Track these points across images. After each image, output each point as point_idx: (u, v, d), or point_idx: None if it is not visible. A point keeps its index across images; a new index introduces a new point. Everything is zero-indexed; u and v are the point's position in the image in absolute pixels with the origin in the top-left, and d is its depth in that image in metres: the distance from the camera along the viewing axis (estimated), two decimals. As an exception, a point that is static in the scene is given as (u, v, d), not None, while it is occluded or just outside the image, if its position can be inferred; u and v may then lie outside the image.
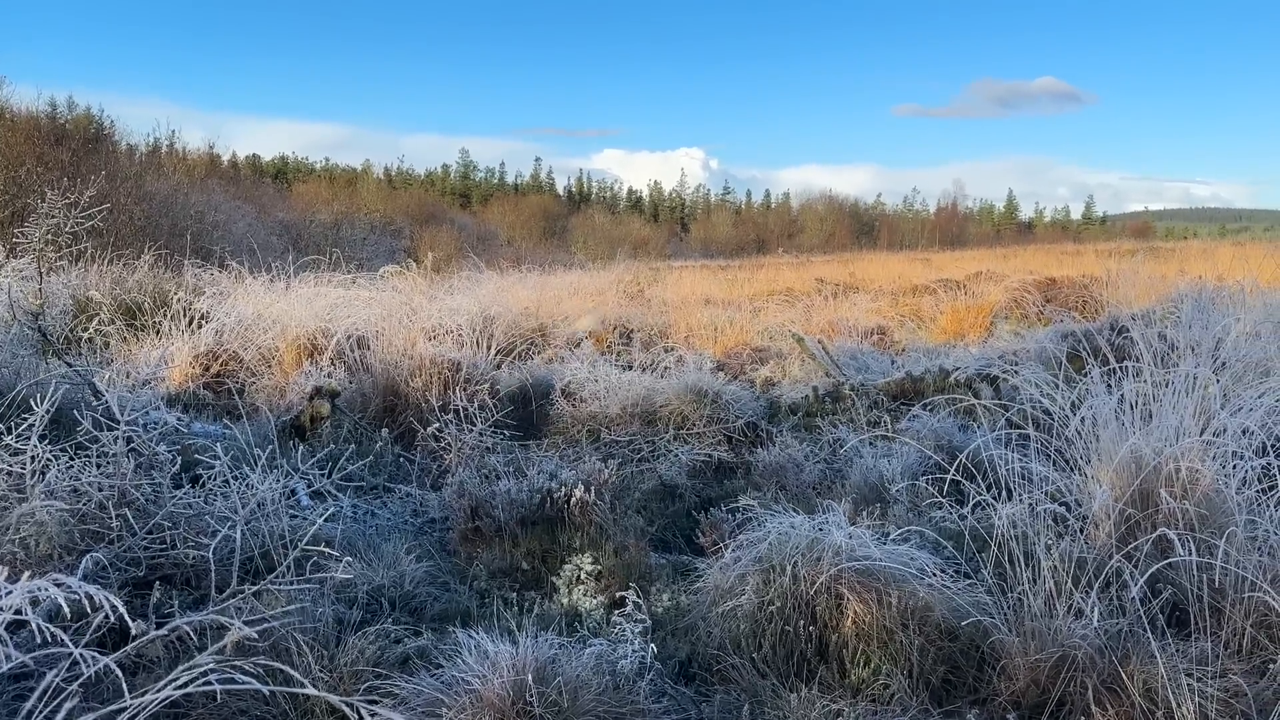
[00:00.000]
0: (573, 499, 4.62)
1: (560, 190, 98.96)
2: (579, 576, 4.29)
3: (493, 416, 6.51)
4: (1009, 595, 3.34)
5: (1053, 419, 4.30)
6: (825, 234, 63.14)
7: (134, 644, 3.08)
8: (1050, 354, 6.71)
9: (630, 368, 8.56)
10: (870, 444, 5.49)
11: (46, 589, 1.94)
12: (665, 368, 8.27)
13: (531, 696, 2.79)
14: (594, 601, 4.11)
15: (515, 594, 4.17)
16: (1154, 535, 3.43)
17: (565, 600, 4.19)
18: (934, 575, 3.43)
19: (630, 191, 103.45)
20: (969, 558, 3.74)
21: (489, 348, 8.63)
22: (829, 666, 3.30)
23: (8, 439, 4.20)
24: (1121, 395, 4.08)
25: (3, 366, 5.40)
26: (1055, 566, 3.28)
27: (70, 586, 1.97)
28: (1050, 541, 3.44)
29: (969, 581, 3.45)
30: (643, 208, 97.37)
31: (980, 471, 4.21)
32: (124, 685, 2.19)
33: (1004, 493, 3.83)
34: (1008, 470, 3.80)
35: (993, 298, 13.16)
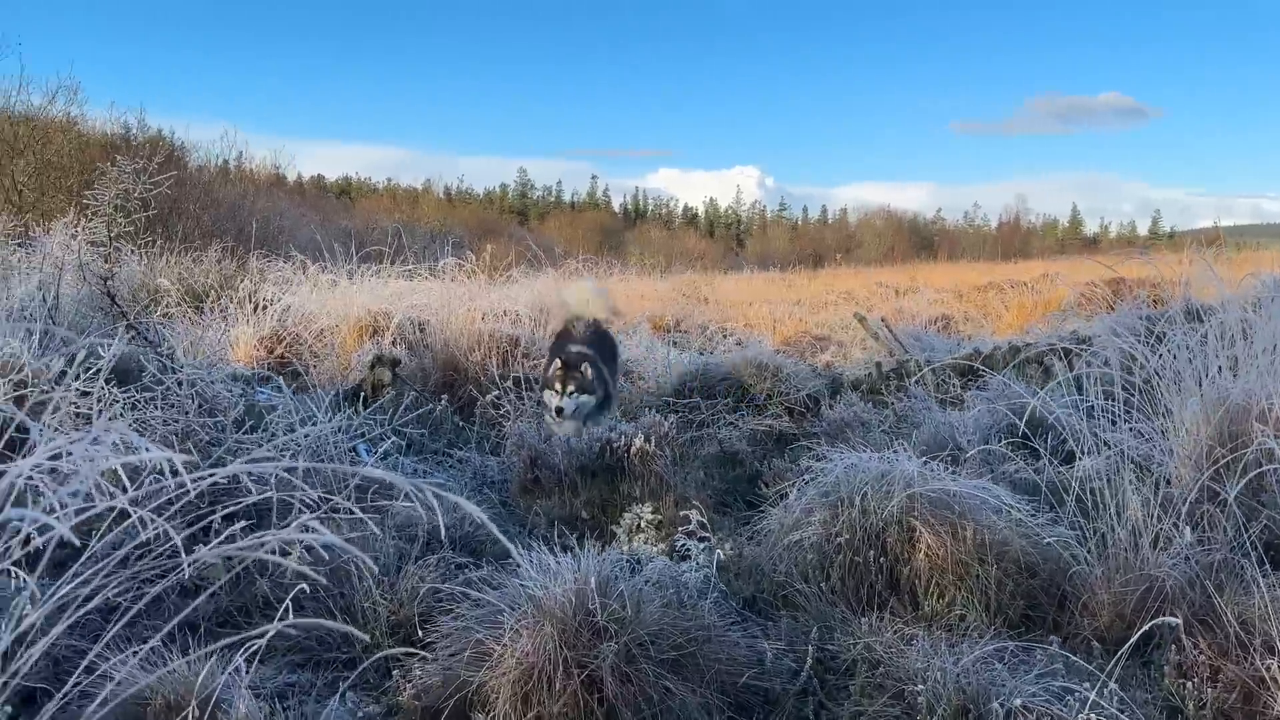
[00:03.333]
0: (633, 449, 4.54)
1: (616, 208, 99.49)
2: (639, 525, 4.20)
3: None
4: (1092, 532, 3.18)
5: (1133, 377, 4.12)
6: (884, 248, 62.42)
7: (194, 560, 3.07)
8: (1126, 327, 6.48)
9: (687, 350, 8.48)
10: (941, 407, 5.33)
11: (121, 440, 1.92)
12: (724, 351, 8.18)
13: (594, 605, 2.72)
14: (654, 550, 4.03)
15: (575, 541, 4.10)
16: (1250, 474, 3.25)
17: (626, 548, 4.10)
18: (1012, 510, 3.28)
19: (686, 209, 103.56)
20: (1048, 506, 3.59)
21: (546, 327, 8.63)
22: (900, 598, 3.17)
23: (75, 383, 4.26)
24: (1204, 337, 3.89)
25: (73, 325, 5.51)
26: (1146, 499, 3.12)
27: (142, 447, 1.94)
28: (1134, 480, 3.28)
29: (1050, 516, 3.30)
30: (698, 224, 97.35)
31: (1056, 435, 4.06)
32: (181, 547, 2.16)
33: (1083, 452, 3.67)
34: (1085, 429, 3.63)
35: (1060, 293, 12.82)
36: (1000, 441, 4.30)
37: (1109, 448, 3.55)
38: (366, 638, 2.95)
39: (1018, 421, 3.89)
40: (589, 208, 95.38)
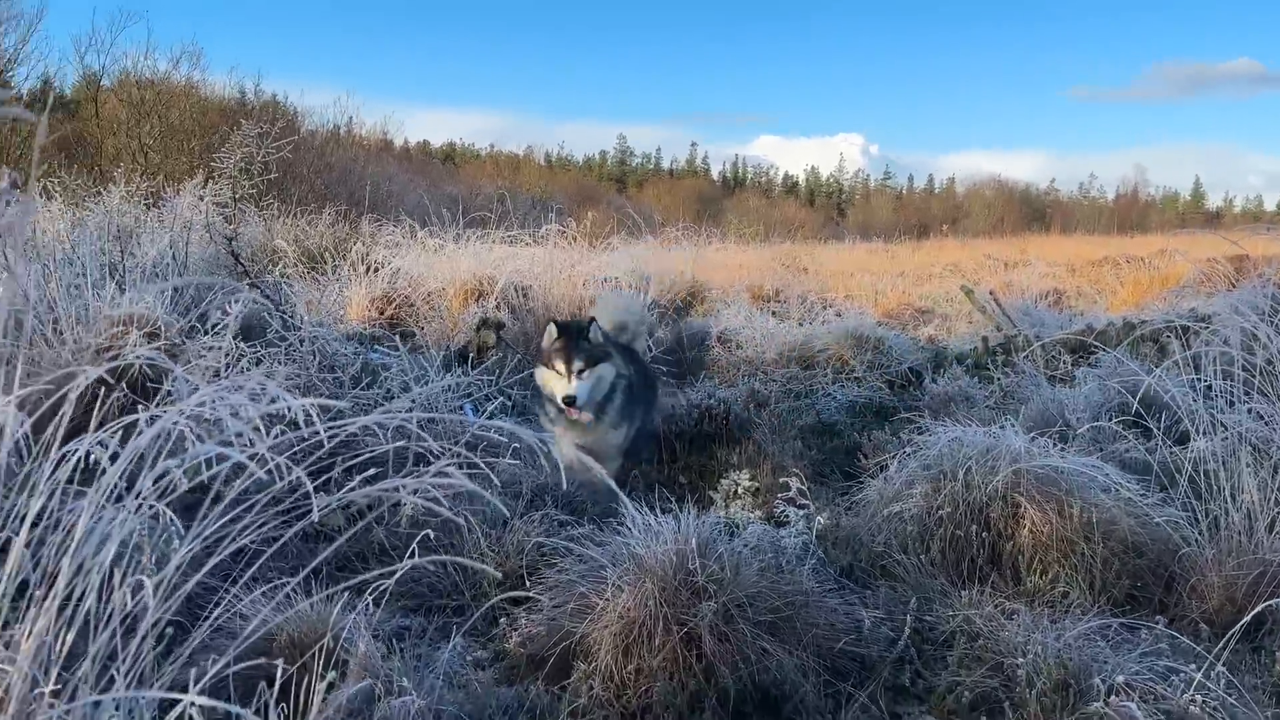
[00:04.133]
0: (731, 416, 4.58)
1: (715, 175, 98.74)
2: (736, 491, 4.25)
3: (650, 352, 6.56)
4: (1204, 514, 3.10)
5: (1254, 358, 3.96)
6: (993, 219, 60.47)
7: (327, 505, 3.26)
8: (1249, 305, 6.19)
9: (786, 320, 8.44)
10: (1050, 384, 5.21)
11: (253, 389, 2.06)
12: (824, 322, 8.12)
13: (694, 565, 2.79)
14: (751, 516, 4.07)
15: (673, 505, 4.18)
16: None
17: (723, 514, 4.16)
18: (1121, 489, 3.21)
19: (786, 177, 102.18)
20: (1158, 487, 3.50)
21: (645, 295, 8.71)
22: (1001, 573, 3.15)
23: (205, 337, 4.52)
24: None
25: (201, 282, 5.82)
26: (1263, 482, 3.02)
27: (281, 399, 2.08)
28: (1251, 462, 3.17)
29: (1161, 496, 3.23)
30: (798, 193, 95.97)
31: (1170, 414, 3.94)
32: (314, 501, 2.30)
33: (1198, 432, 3.56)
34: (1200, 409, 3.51)
35: (1179, 269, 12.28)
36: (1111, 420, 4.20)
37: (1225, 429, 3.44)
38: (499, 574, 3.14)
39: (1130, 400, 3.79)
40: (688, 175, 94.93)
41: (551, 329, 3.96)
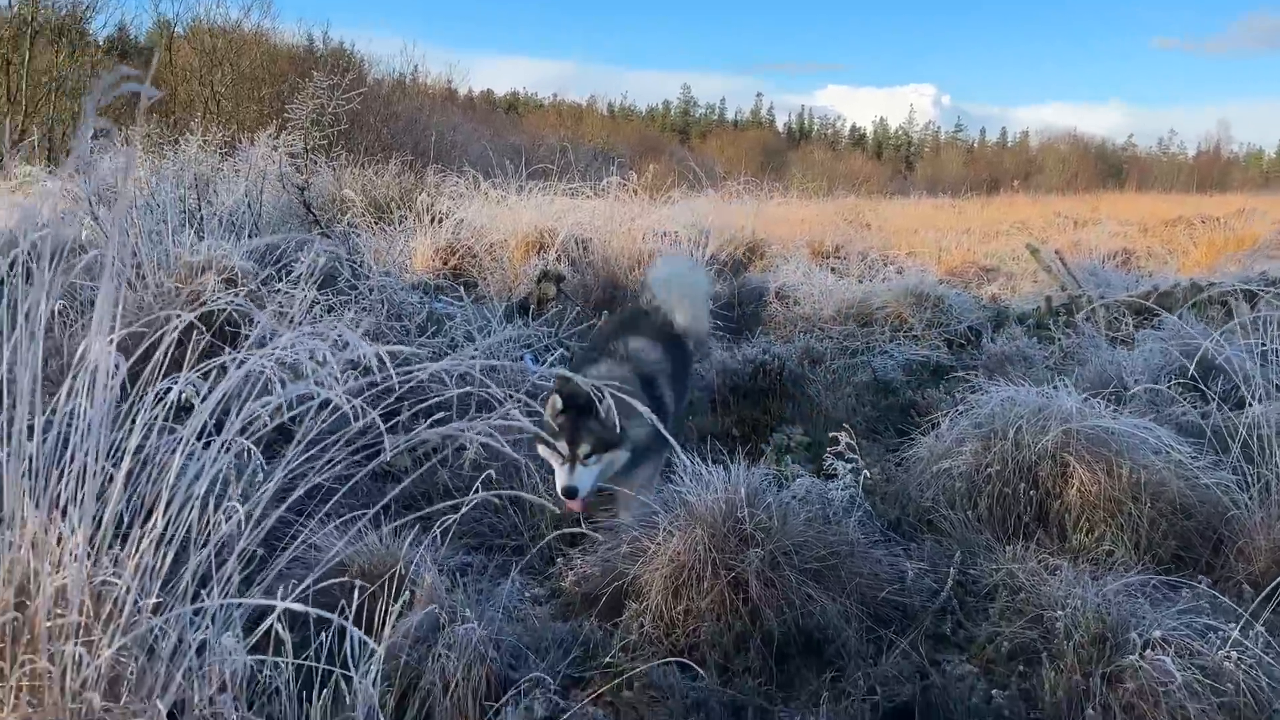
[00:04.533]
0: (785, 371, 4.65)
1: (780, 127, 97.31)
2: (789, 445, 4.33)
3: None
4: (1256, 479, 3.11)
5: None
6: (1067, 175, 58.71)
7: (402, 444, 3.43)
8: (1326, 269, 6.04)
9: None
10: (1110, 345, 5.17)
11: (328, 335, 2.20)
12: (884, 280, 8.08)
13: (743, 514, 2.89)
14: (801, 470, 4.15)
15: (725, 456, 4.28)
16: None
17: (774, 467, 4.25)
18: (1172, 451, 3.23)
19: (853, 129, 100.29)
20: (1211, 450, 3.50)
21: (703, 250, 8.75)
22: (1047, 531, 3.20)
23: (279, 284, 4.71)
24: None
25: (274, 230, 6.03)
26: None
27: (350, 341, 2.22)
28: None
29: (1212, 460, 3.23)
30: (865, 145, 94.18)
31: (1228, 379, 3.91)
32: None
33: (1254, 398, 3.54)
34: (1258, 375, 3.49)
35: (1256, 231, 11.90)
36: (1169, 383, 4.18)
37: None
38: (557, 509, 3.34)
39: (1188, 363, 3.77)
40: (752, 126, 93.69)
41: (555, 400, 3.20)
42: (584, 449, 3.16)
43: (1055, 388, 3.44)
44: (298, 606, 1.47)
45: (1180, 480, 3.13)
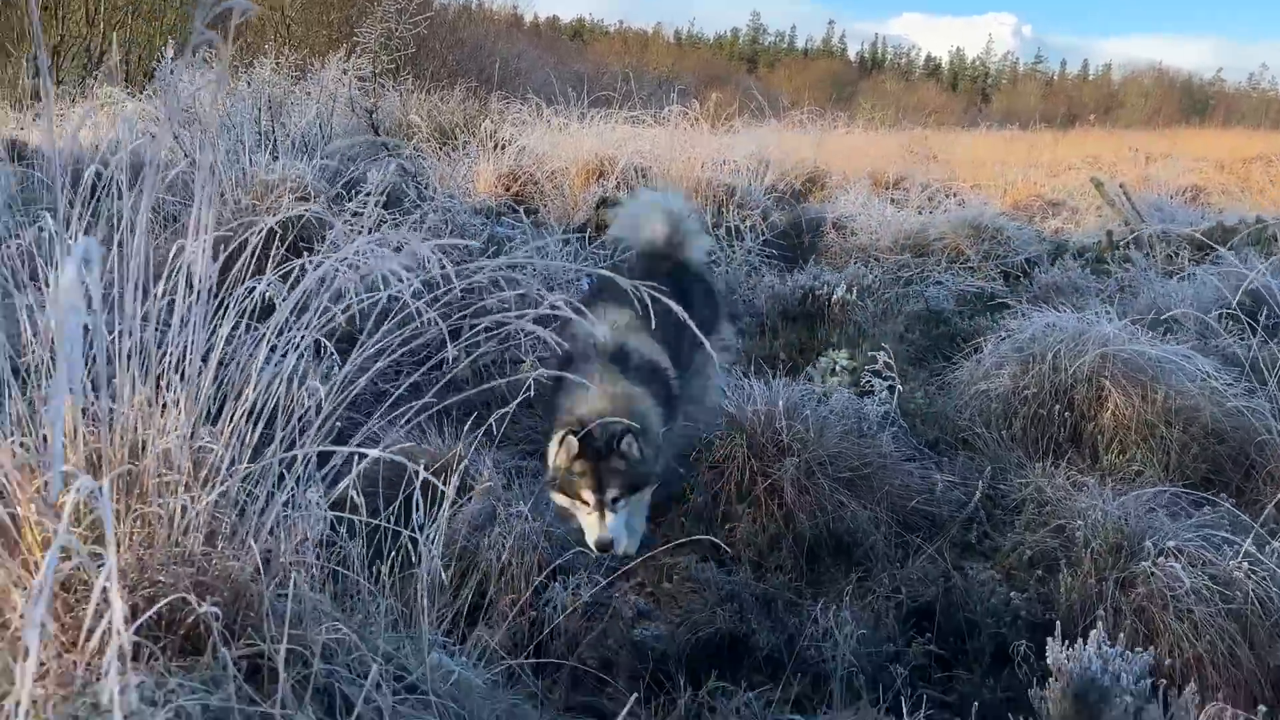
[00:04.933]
0: (834, 297, 4.75)
1: (851, 56, 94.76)
2: (834, 369, 4.45)
3: (762, 236, 6.72)
4: (1293, 407, 3.16)
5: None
6: (1148, 110, 56.44)
7: (456, 368, 3.66)
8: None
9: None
10: (1166, 279, 5.16)
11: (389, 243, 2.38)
12: (944, 211, 8.04)
13: (781, 425, 3.05)
14: (846, 394, 4.28)
15: (768, 374, 4.42)
16: None
17: (819, 388, 4.38)
18: (1209, 379, 3.29)
19: (928, 59, 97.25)
20: (1250, 380, 3.54)
21: (763, 179, 8.78)
22: (1080, 451, 3.31)
23: (349, 203, 4.92)
24: None
25: (344, 152, 6.24)
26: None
27: (415, 248, 2.40)
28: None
29: (1248, 387, 3.29)
30: (940, 76, 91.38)
31: (1275, 314, 3.91)
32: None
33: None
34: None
35: (1343, 168, 11.47)
36: (1218, 315, 4.19)
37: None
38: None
39: (1235, 297, 3.78)
40: (822, 56, 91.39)
41: (571, 443, 2.76)
42: (612, 493, 2.76)
43: (1096, 314, 3.49)
44: (375, 452, 1.67)
45: (1215, 406, 3.20)
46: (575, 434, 2.76)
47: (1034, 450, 3.33)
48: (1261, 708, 1.81)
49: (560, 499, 2.87)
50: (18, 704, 1.22)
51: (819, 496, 2.94)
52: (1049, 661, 1.87)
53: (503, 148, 9.81)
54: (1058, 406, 3.32)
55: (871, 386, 3.42)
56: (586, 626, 2.75)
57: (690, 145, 9.34)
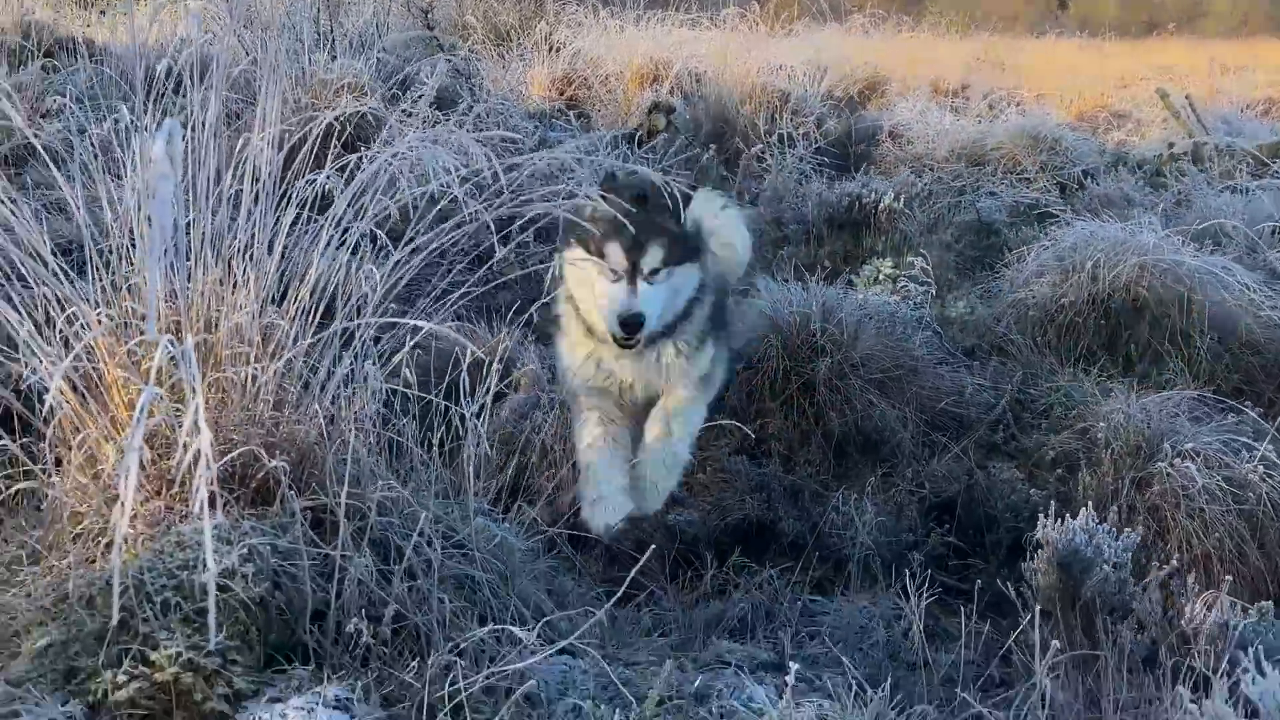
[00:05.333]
0: (881, 205, 4.77)
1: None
2: (877, 277, 4.50)
3: (815, 144, 6.68)
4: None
5: None
6: (1236, 18, 53.63)
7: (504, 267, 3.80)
8: None
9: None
10: (1220, 192, 5.08)
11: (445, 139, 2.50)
12: (1005, 121, 7.88)
13: (816, 327, 3.14)
14: (883, 299, 4.34)
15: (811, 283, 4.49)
16: None
17: (861, 296, 4.44)
18: (1248, 290, 3.30)
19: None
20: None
21: (819, 85, 8.66)
22: (1114, 359, 3.36)
23: (403, 104, 5.01)
24: None
25: (399, 53, 6.31)
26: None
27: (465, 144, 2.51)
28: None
29: (1289, 299, 3.30)
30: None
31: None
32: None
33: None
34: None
35: None
36: (1272, 231, 4.15)
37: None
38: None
39: (1290, 211, 3.76)
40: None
41: (592, 202, 2.27)
42: (652, 255, 2.22)
43: (1139, 224, 3.50)
44: (427, 325, 1.82)
45: (1252, 318, 3.22)
46: (613, 176, 2.45)
47: (1067, 358, 3.38)
48: (1265, 603, 1.90)
49: (578, 270, 2.31)
50: (111, 542, 1.40)
51: (850, 396, 3.05)
52: (1039, 535, 1.99)
53: (557, 51, 9.75)
54: (1094, 315, 3.36)
55: (908, 291, 3.48)
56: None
57: (746, 50, 9.21)
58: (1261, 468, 2.48)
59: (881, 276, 4.49)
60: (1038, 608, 1.65)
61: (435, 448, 2.19)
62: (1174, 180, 5.72)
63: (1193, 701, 1.26)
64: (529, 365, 3.21)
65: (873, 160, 7.33)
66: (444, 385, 2.24)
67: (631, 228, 2.21)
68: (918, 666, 1.98)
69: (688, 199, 2.29)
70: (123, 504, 1.14)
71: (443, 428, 2.19)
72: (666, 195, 2.26)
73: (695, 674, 1.90)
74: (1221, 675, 1.28)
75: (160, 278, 1.72)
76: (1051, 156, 6.72)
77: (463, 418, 2.04)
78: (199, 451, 1.16)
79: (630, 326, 2.22)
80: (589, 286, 2.36)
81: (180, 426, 1.55)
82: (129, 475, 1.19)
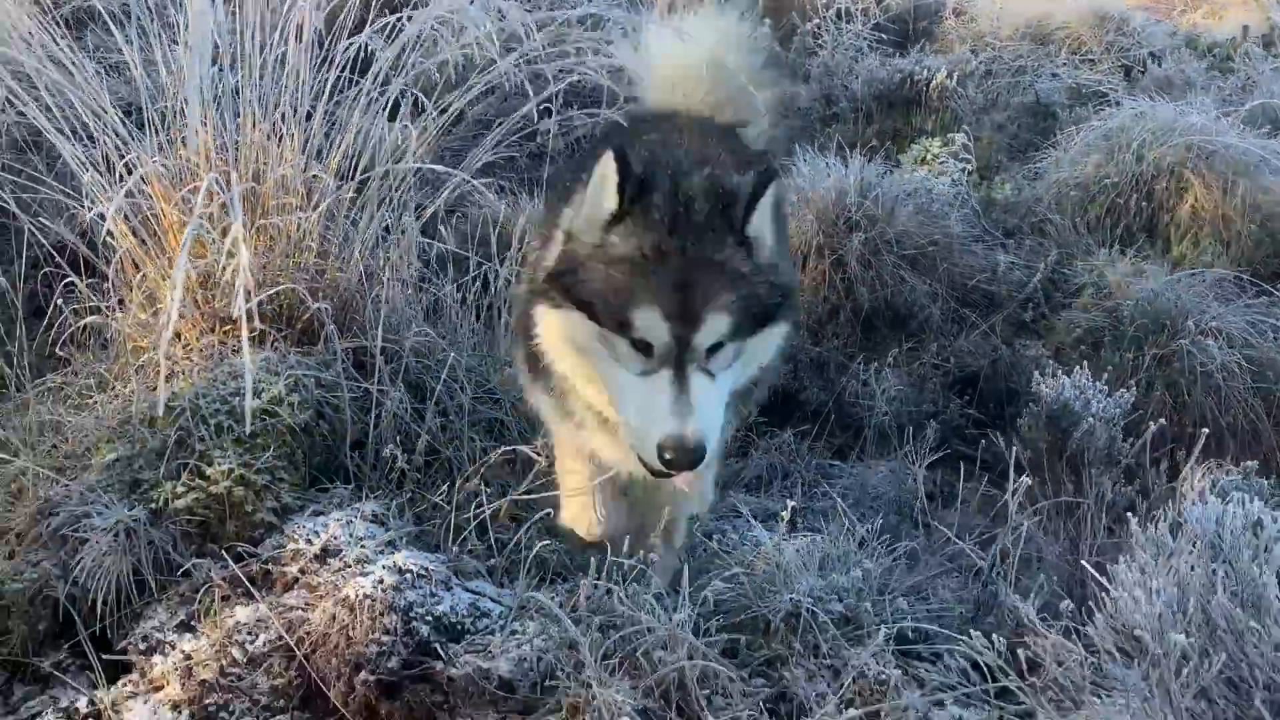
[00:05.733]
0: (933, 83, 4.68)
1: None
2: (925, 158, 4.46)
3: (874, 20, 6.49)
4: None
5: None
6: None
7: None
8: None
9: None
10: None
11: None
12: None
13: (851, 202, 3.17)
14: (923, 177, 4.29)
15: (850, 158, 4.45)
16: None
17: (907, 175, 4.41)
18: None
19: None
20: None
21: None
22: (1153, 242, 3.34)
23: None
24: None
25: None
26: None
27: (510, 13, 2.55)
28: None
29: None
30: None
31: None
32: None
33: None
34: None
35: None
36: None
37: None
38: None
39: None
40: None
41: (610, 173, 1.43)
42: (714, 325, 1.40)
43: (1189, 104, 3.42)
44: (460, 175, 1.91)
45: (1299, 204, 3.17)
46: (621, 158, 1.41)
47: (1105, 238, 3.36)
48: (1251, 462, 1.96)
49: (570, 354, 1.50)
50: (158, 368, 1.54)
51: (881, 271, 3.09)
52: (1033, 388, 2.06)
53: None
54: (1135, 196, 3.33)
55: (946, 168, 3.47)
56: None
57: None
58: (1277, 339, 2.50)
59: (929, 156, 4.45)
60: (1016, 450, 1.73)
61: (471, 305, 2.31)
62: (1243, 65, 5.49)
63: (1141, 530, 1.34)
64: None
65: (933, 38, 7.10)
66: (479, 246, 2.35)
67: (676, 271, 1.36)
68: (920, 525, 2.08)
69: (761, 189, 1.42)
70: (169, 316, 1.27)
71: (478, 285, 2.30)
72: (726, 182, 1.42)
73: (709, 520, 2.03)
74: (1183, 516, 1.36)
75: (200, 142, 1.83)
76: (1119, 38, 6.46)
77: (497, 275, 2.15)
78: (239, 267, 1.27)
79: (680, 453, 1.33)
80: (589, 358, 1.46)
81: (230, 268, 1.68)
82: (175, 290, 1.32)
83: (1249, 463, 1.86)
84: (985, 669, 1.31)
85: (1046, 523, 1.81)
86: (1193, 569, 1.23)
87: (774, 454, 2.59)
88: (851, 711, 1.22)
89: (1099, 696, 1.17)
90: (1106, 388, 2.02)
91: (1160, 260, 3.22)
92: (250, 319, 1.50)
